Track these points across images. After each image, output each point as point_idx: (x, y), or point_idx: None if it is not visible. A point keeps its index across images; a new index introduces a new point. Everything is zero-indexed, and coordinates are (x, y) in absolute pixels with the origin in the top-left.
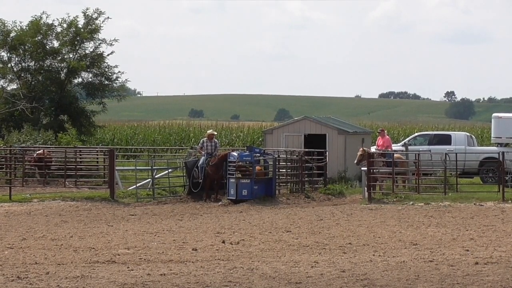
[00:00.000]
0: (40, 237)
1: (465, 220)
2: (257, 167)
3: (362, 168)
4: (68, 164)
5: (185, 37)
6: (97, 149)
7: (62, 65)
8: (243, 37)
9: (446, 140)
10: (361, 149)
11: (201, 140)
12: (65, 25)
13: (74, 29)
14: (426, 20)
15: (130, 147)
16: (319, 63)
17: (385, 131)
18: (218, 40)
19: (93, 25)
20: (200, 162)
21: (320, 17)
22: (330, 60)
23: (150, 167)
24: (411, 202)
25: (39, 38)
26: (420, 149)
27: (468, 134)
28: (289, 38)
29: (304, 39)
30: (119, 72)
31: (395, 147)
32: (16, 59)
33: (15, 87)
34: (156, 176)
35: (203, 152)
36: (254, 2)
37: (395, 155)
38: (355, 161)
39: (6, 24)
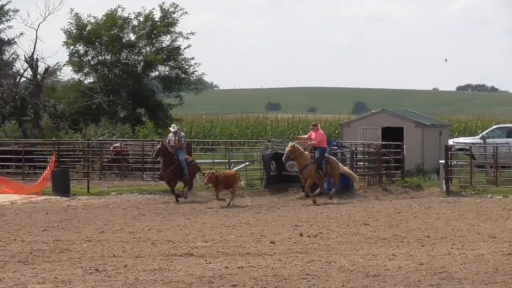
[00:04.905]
0: (118, 230)
1: None
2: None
3: (440, 161)
4: (145, 157)
5: (263, 30)
6: None
7: (139, 58)
8: (320, 29)
9: None
10: (290, 144)
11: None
12: (141, 19)
13: (150, 22)
14: (506, 13)
15: (207, 140)
16: (396, 55)
17: (318, 125)
18: (295, 32)
19: (170, 19)
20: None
21: (398, 9)
22: (407, 52)
23: (227, 160)
24: (489, 195)
25: (115, 31)
26: (498, 142)
27: None
28: (366, 31)
29: (381, 32)
30: (195, 64)
31: (473, 139)
32: (93, 52)
33: (92, 80)
34: (233, 169)
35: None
36: None
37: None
38: (283, 158)
39: (81, 18)
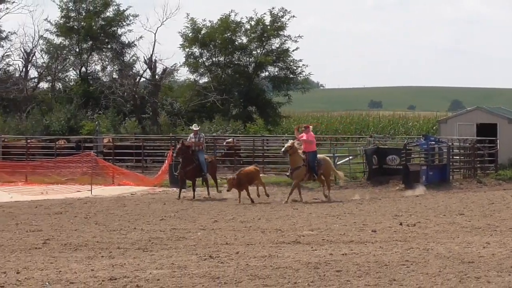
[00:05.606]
0: (230, 219)
1: None
2: None
3: None
4: (256, 151)
5: (366, 33)
6: (283, 138)
7: (250, 59)
8: (420, 32)
9: None
10: (291, 141)
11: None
12: (252, 23)
13: (261, 26)
14: None
15: None
16: (491, 55)
17: (310, 127)
18: (397, 34)
19: (279, 23)
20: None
21: (492, 11)
22: (502, 52)
23: (332, 155)
24: None
25: (228, 34)
26: None
27: None
28: (463, 33)
29: (477, 33)
30: (303, 65)
31: None
32: (207, 54)
33: (206, 80)
34: (338, 163)
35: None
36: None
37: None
38: (281, 150)
39: (196, 22)
